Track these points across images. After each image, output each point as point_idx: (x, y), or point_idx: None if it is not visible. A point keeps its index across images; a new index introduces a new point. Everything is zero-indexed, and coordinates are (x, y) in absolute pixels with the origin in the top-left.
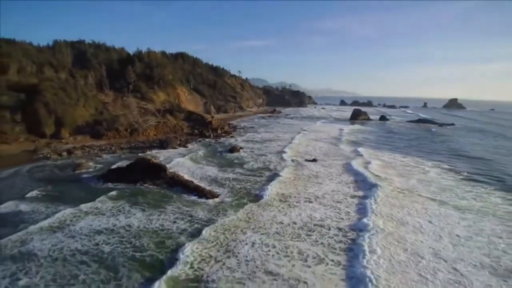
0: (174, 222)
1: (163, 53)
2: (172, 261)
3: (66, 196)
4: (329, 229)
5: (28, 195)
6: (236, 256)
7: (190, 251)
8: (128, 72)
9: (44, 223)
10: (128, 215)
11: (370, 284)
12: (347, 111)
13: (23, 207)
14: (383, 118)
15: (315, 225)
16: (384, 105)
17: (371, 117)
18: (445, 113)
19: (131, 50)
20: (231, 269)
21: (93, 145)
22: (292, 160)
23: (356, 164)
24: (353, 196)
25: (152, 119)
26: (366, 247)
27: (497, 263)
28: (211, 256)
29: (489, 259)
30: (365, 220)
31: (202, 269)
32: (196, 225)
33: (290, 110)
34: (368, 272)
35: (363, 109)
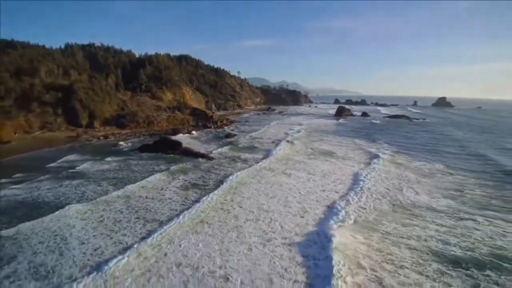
0: (194, 166)
1: (168, 55)
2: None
3: (116, 157)
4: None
5: (89, 157)
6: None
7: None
8: (140, 74)
9: (109, 167)
10: (165, 165)
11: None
12: (335, 109)
13: (87, 162)
14: (364, 114)
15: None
16: (377, 104)
17: (354, 113)
18: (413, 110)
19: (134, 49)
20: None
21: (120, 132)
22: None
23: (284, 141)
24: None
25: (164, 114)
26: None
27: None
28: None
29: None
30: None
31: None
32: (202, 168)
33: (284, 108)
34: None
35: (356, 107)
